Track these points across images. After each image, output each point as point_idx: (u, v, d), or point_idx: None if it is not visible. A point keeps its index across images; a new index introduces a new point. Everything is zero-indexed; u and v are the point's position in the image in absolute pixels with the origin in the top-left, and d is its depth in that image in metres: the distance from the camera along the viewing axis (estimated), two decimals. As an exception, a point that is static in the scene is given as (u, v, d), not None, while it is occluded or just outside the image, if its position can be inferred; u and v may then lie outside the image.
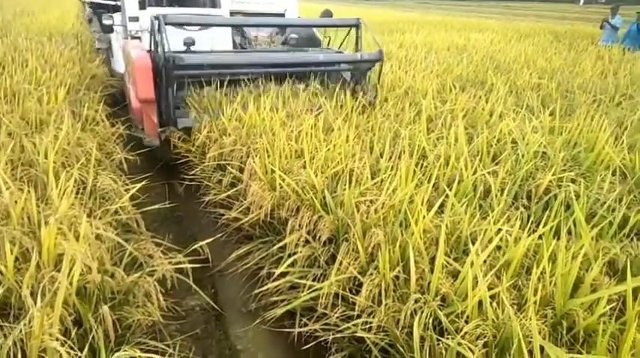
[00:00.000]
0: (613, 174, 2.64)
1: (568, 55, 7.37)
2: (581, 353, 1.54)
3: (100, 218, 2.30)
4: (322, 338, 2.02)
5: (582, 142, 3.07)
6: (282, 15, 5.70)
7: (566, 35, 11.58)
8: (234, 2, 5.29)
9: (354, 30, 4.39)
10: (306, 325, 2.10)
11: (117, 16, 5.34)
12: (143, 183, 2.57)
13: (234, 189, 2.95)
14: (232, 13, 5.42)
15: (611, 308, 1.69)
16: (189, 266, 2.17)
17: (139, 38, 4.86)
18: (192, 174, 3.26)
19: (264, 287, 2.32)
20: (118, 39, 5.60)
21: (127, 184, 2.68)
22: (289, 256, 2.33)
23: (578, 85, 4.98)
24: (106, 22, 5.06)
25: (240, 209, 2.77)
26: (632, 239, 2.18)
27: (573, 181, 2.59)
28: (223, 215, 2.89)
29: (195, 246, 2.27)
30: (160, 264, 2.07)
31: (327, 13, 5.68)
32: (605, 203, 2.37)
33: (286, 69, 4.36)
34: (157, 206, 2.59)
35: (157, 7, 4.87)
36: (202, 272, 2.60)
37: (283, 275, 2.28)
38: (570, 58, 7.07)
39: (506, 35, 10.05)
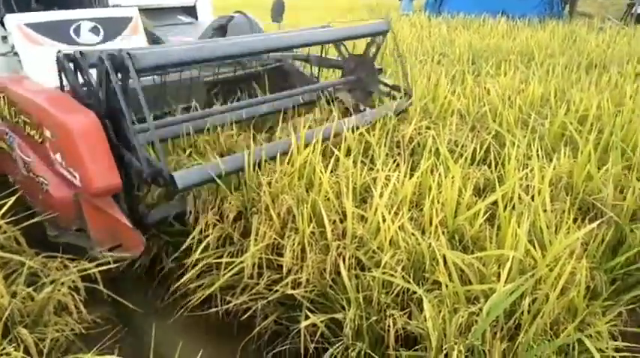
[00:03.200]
0: (457, 118, 3.17)
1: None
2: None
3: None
4: (252, 310, 2.12)
5: (427, 95, 3.58)
6: (193, 8, 4.55)
7: (378, 8, 12.81)
8: None
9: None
10: (230, 302, 2.17)
11: None
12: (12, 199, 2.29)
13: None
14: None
15: (485, 220, 2.09)
16: (97, 270, 2.05)
17: None
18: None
19: (178, 278, 2.30)
20: None
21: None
22: (199, 242, 2.33)
23: (405, 50, 5.65)
24: None
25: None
26: (481, 166, 2.68)
27: (428, 128, 3.03)
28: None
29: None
30: (68, 273, 1.93)
31: (280, 3, 4.69)
32: (456, 141, 2.85)
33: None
34: (35, 219, 2.34)
35: (21, 12, 3.20)
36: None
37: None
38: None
39: (331, 12, 10.75)
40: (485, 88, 3.86)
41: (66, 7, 3.45)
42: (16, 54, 3.03)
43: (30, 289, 1.84)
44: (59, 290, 1.85)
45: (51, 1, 3.73)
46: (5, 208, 2.23)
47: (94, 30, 3.25)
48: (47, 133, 2.28)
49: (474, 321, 1.64)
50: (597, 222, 2.02)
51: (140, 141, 2.16)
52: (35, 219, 2.31)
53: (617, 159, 2.61)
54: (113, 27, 3.30)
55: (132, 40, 3.37)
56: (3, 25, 3.11)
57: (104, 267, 2.08)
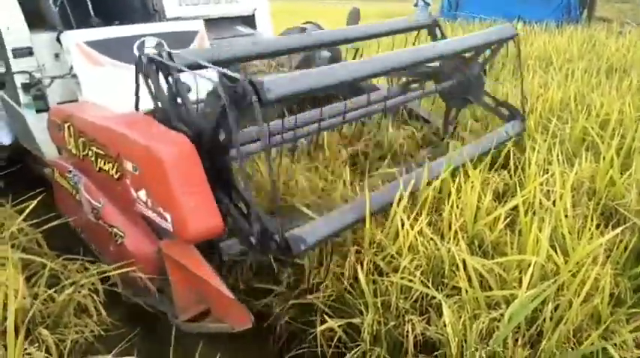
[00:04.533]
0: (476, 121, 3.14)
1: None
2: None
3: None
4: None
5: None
6: (252, 17, 4.12)
7: (394, 15, 12.81)
8: (183, 5, 3.57)
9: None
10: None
11: None
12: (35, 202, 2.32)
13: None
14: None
15: (506, 225, 2.06)
16: (116, 273, 2.06)
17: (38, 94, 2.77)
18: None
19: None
20: None
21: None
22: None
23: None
24: None
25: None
26: (501, 171, 2.65)
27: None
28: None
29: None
30: (88, 275, 1.95)
31: (355, 11, 4.47)
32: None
33: None
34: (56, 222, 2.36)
35: (79, 28, 2.90)
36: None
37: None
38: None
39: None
40: (504, 92, 3.82)
41: (126, 21, 3.12)
42: (74, 76, 2.75)
43: (51, 291, 1.86)
44: (79, 292, 1.87)
45: (110, 15, 3.31)
46: (28, 210, 2.27)
47: (159, 47, 2.92)
48: (127, 166, 1.86)
49: (495, 327, 1.62)
50: (621, 228, 1.98)
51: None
52: (56, 222, 2.34)
53: (640, 163, 2.56)
54: (179, 42, 2.91)
55: None
56: (59, 41, 2.82)
57: (124, 270, 2.09)
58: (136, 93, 2.05)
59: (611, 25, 8.95)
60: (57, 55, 2.85)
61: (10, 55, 2.73)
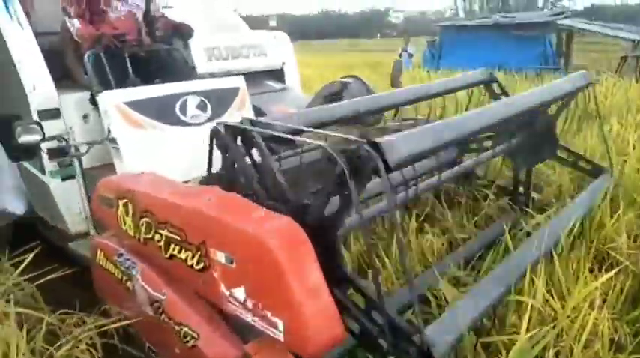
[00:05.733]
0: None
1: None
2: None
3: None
4: None
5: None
6: (280, 71, 4.04)
7: (379, 65, 13.25)
8: (212, 60, 3.56)
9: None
10: None
11: None
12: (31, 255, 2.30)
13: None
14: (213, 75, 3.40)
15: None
16: (114, 326, 2.03)
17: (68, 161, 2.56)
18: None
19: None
20: None
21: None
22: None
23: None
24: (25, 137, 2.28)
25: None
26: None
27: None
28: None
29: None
30: (86, 329, 1.92)
31: (399, 63, 4.21)
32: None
33: None
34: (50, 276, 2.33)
35: (119, 88, 2.67)
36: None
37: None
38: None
39: (333, 70, 11.14)
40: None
41: (166, 79, 2.89)
42: (112, 140, 2.48)
43: (52, 348, 1.82)
44: (77, 347, 1.83)
45: (149, 73, 3.01)
46: (24, 265, 2.25)
47: (201, 105, 2.71)
48: (218, 256, 1.51)
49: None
50: (614, 270, 2.02)
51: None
52: (51, 276, 2.31)
53: (627, 207, 2.64)
54: (220, 100, 2.75)
55: (240, 116, 2.41)
56: (93, 102, 2.64)
57: (121, 323, 2.06)
58: (209, 167, 1.82)
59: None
60: (85, 117, 2.72)
61: (35, 117, 2.50)
